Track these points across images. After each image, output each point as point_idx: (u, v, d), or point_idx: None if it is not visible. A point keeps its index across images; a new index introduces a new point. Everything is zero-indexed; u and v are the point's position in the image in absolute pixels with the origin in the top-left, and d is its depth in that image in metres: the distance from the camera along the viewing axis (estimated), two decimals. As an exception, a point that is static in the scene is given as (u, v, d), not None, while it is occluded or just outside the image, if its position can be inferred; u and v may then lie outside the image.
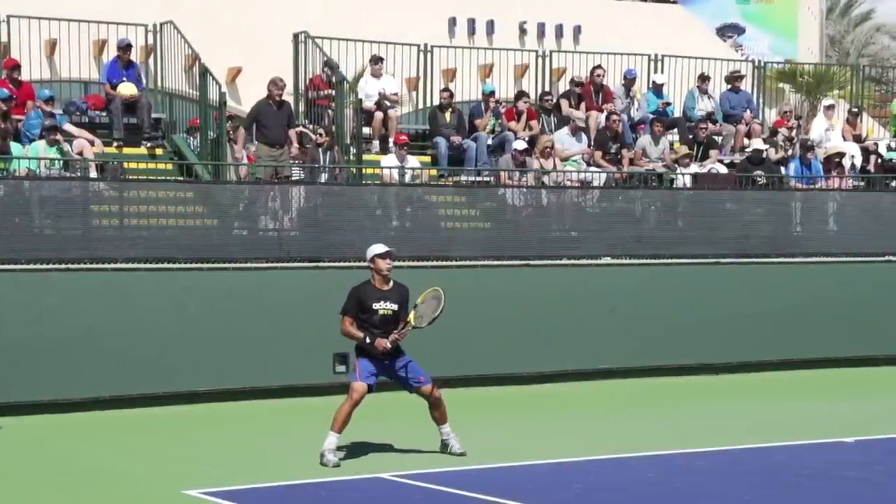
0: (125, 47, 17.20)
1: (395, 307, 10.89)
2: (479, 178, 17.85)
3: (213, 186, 15.57)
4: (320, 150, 16.73)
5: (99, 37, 18.03)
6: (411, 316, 11.02)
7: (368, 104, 18.30)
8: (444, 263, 15.53)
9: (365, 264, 14.96)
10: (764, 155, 19.06)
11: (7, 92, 16.02)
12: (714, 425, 13.20)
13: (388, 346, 10.79)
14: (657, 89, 20.36)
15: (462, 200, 16.75)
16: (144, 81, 17.65)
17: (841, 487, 9.98)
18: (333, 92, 17.63)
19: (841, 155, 19.57)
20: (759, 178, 18.35)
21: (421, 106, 19.97)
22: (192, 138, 17.21)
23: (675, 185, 18.12)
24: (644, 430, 12.52)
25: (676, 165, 18.41)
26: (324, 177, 16.46)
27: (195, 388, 14.06)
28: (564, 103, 19.57)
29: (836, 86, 23.49)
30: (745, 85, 21.36)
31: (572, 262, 16.21)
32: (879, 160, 20.39)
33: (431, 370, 15.17)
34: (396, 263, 15.18)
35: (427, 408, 11.06)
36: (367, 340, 10.81)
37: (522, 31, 21.70)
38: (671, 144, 19.29)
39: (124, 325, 13.70)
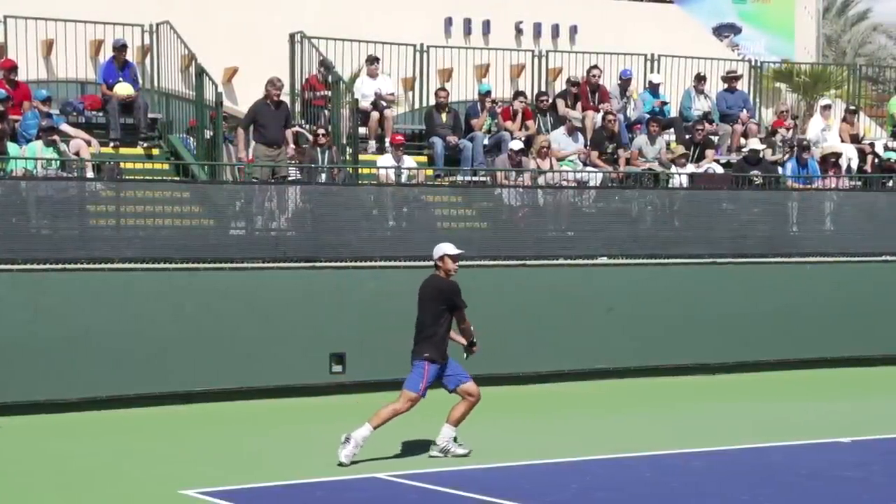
0: (121, 47, 17.19)
1: None
2: (475, 178, 17.86)
3: (210, 186, 15.56)
4: (319, 149, 16.73)
5: (95, 37, 18.01)
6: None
7: (364, 104, 18.29)
8: (441, 263, 15.50)
9: (362, 265, 15.10)
10: (761, 155, 19.06)
11: (4, 92, 16.02)
12: (711, 425, 13.20)
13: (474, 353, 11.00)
14: (653, 89, 20.37)
15: (458, 200, 16.75)
16: (141, 82, 17.64)
17: (838, 487, 9.99)
18: (330, 93, 17.63)
19: (837, 155, 19.57)
20: (755, 178, 18.35)
21: (417, 106, 19.97)
22: (191, 139, 17.20)
23: (671, 185, 18.12)
24: (641, 430, 12.53)
25: (673, 165, 18.41)
26: (322, 177, 16.46)
27: (192, 388, 14.05)
28: (561, 103, 19.58)
29: (833, 85, 23.50)
30: (742, 85, 21.37)
31: (569, 262, 16.21)
32: (876, 160, 20.40)
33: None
34: (392, 263, 15.30)
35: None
36: (474, 340, 10.91)
37: (518, 31, 21.69)
38: (668, 144, 19.29)
39: (121, 325, 13.70)
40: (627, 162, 18.62)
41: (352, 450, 10.47)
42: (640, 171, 18.30)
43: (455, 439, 10.88)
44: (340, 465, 10.43)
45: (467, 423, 11.44)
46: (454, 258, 10.93)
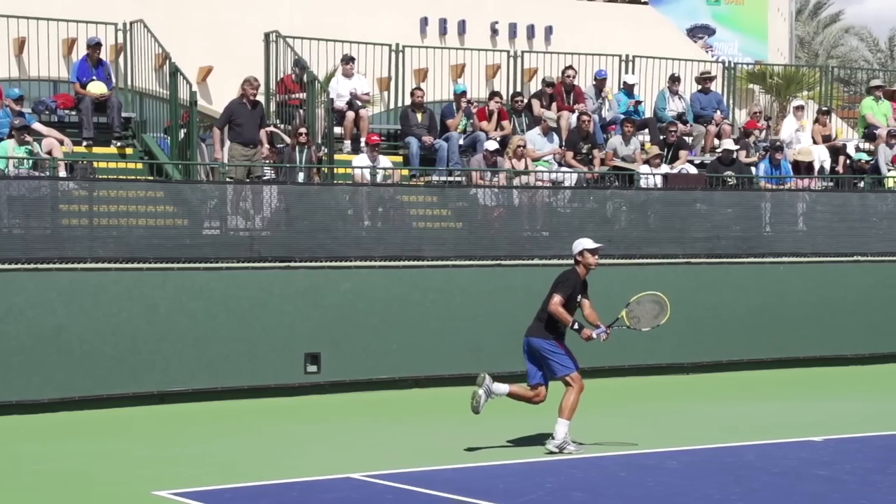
0: (95, 46, 17.12)
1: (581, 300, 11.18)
2: (450, 178, 17.87)
3: (184, 186, 15.50)
4: (297, 149, 16.69)
5: (68, 35, 17.93)
6: (624, 314, 11.19)
7: (340, 104, 18.27)
8: (416, 263, 15.54)
9: (337, 265, 15.07)
10: (734, 156, 19.14)
11: (-25, 91, 15.93)
12: (685, 425, 13.25)
13: (595, 338, 11.05)
14: (628, 90, 20.43)
15: (434, 200, 16.76)
16: (114, 80, 17.57)
17: (810, 486, 10.04)
18: (304, 95, 17.59)
19: (809, 161, 19.71)
20: (729, 179, 18.42)
21: (392, 106, 19.97)
22: (168, 138, 17.12)
23: (645, 186, 18.15)
24: (615, 430, 12.55)
25: (646, 165, 18.45)
26: (301, 176, 16.43)
27: (166, 388, 14.01)
28: (536, 103, 19.61)
29: (806, 87, 23.62)
30: (716, 86, 21.46)
31: (544, 262, 16.21)
32: (848, 161, 20.51)
33: (402, 370, 15.21)
34: (367, 263, 15.29)
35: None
36: (576, 326, 11.00)
37: (494, 32, 21.72)
38: (642, 145, 19.34)
39: (94, 325, 13.64)
40: (602, 162, 18.66)
41: (574, 447, 10.91)
42: (607, 169, 18.32)
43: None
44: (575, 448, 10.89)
45: (443, 422, 11.46)
46: (593, 252, 11.11)
